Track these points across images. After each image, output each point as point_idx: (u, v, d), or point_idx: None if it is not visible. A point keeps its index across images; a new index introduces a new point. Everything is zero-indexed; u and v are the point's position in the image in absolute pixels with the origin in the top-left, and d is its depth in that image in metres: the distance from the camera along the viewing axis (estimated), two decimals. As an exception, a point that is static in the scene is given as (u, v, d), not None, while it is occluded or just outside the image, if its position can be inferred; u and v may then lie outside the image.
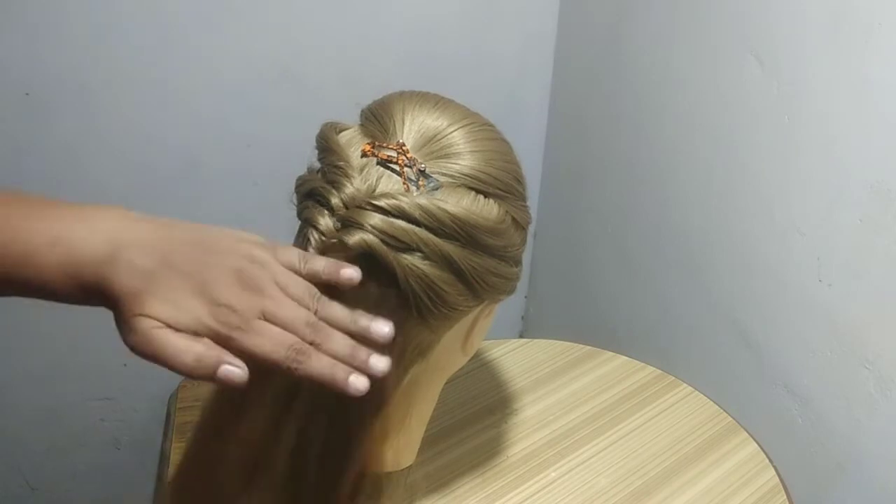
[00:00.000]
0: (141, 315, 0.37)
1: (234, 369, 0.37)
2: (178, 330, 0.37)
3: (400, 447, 0.65)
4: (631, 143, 1.08)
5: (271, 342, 0.38)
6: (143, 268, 0.38)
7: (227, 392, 0.48)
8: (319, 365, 0.39)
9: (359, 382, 0.40)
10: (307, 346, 0.39)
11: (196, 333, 0.37)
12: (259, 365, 0.38)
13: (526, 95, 1.24)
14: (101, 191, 0.98)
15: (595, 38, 1.11)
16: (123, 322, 0.38)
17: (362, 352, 0.41)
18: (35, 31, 0.87)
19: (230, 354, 0.37)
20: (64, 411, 1.14)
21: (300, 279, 0.42)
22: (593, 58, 1.13)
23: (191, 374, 0.36)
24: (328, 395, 0.42)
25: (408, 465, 0.68)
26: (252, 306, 0.39)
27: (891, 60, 0.67)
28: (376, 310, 0.46)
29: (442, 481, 0.70)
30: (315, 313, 0.41)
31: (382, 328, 0.42)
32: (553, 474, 0.72)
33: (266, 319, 0.39)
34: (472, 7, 1.10)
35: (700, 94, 0.92)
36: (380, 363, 0.42)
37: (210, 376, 0.37)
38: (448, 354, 0.56)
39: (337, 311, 0.42)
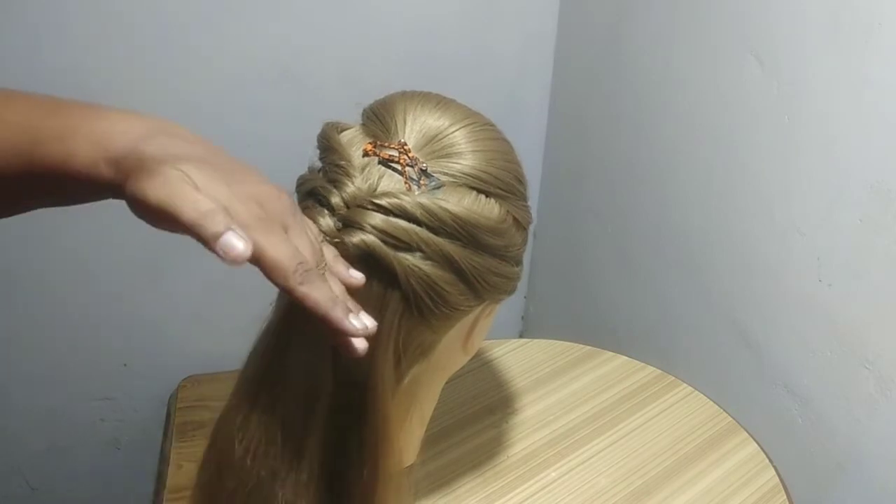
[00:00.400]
0: (173, 167, 0.35)
1: (239, 242, 0.34)
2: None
3: (401, 446, 0.65)
4: (631, 143, 1.08)
5: (285, 249, 0.37)
6: (182, 150, 0.37)
7: (250, 389, 0.48)
8: (321, 292, 0.38)
9: (357, 323, 0.39)
10: (315, 271, 0.38)
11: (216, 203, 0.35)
12: (264, 268, 0.36)
13: (526, 95, 1.24)
14: (101, 191, 0.98)
15: (595, 38, 1.12)
16: (147, 172, 0.35)
17: (353, 305, 0.42)
18: (35, 31, 0.87)
19: (243, 231, 0.34)
20: (64, 411, 1.14)
21: (316, 238, 0.42)
22: (593, 58, 1.13)
23: (195, 225, 0.34)
24: (348, 393, 0.42)
25: (408, 464, 0.68)
26: (280, 213, 0.38)
27: (891, 60, 0.68)
28: (378, 309, 0.47)
29: (442, 481, 0.70)
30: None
31: (368, 322, 0.42)
32: (553, 474, 0.72)
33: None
34: (472, 7, 1.10)
35: (700, 94, 0.92)
36: (368, 321, 0.41)
37: (213, 237, 0.34)
38: (449, 354, 0.56)
39: (335, 282, 0.42)
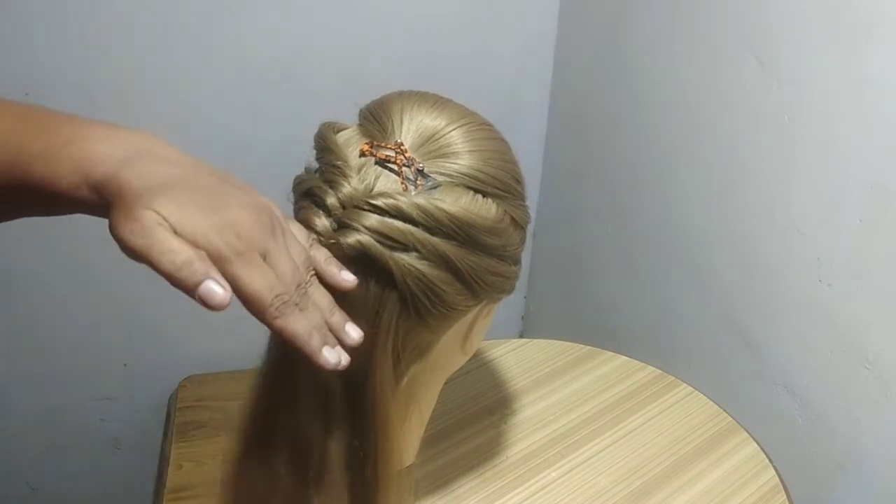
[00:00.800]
0: (148, 209, 0.35)
1: (218, 289, 0.35)
2: (178, 234, 0.35)
3: (401, 447, 0.65)
4: (631, 143, 1.08)
5: (263, 281, 0.37)
6: (162, 176, 0.37)
7: (268, 401, 0.49)
8: (298, 324, 0.39)
9: (330, 356, 0.40)
10: (293, 302, 0.39)
11: (196, 244, 0.36)
12: (241, 299, 0.37)
13: (526, 95, 1.24)
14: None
15: (595, 38, 1.11)
16: (125, 211, 0.35)
17: (340, 317, 0.43)
18: (35, 31, 0.87)
19: (220, 275, 0.36)
20: (64, 411, 1.14)
21: (303, 248, 0.42)
22: (593, 58, 1.13)
23: (172, 277, 0.34)
24: (350, 394, 0.43)
25: (408, 465, 0.68)
26: (258, 241, 0.38)
27: (891, 60, 0.67)
28: (375, 310, 0.47)
29: (442, 481, 0.70)
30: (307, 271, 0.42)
31: (353, 334, 0.43)
32: (553, 474, 0.72)
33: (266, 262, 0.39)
34: (472, 7, 1.10)
35: (700, 94, 0.92)
36: (354, 332, 0.43)
37: (192, 287, 0.35)
38: (448, 354, 0.56)
39: (322, 293, 0.43)
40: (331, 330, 0.42)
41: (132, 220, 0.35)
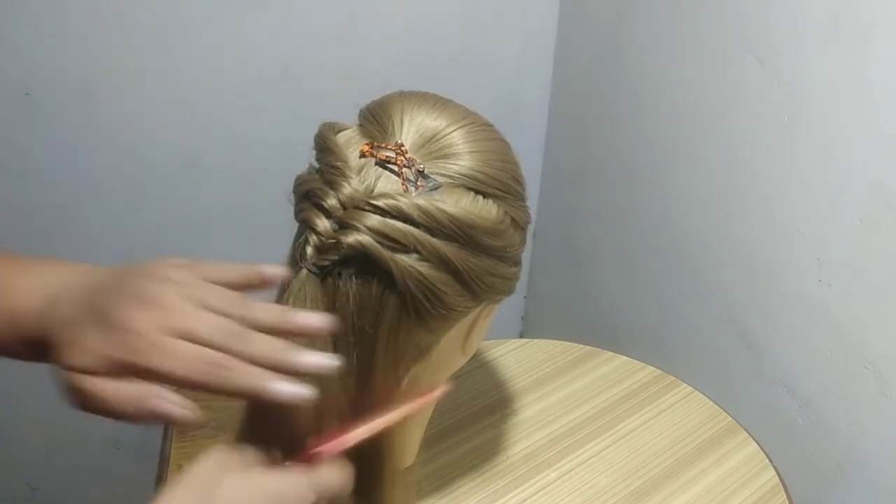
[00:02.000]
0: (63, 367, 0.36)
1: (171, 406, 0.35)
2: (93, 373, 0.35)
3: (401, 447, 0.65)
4: (631, 143, 1.08)
5: (184, 361, 0.35)
6: (69, 316, 0.38)
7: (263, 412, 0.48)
8: (243, 378, 0.36)
9: (283, 388, 0.36)
10: (228, 358, 0.36)
11: (109, 370, 0.35)
12: (181, 386, 0.36)
13: (526, 95, 1.24)
14: (101, 191, 0.98)
15: (595, 38, 1.11)
16: (59, 380, 0.37)
17: (286, 351, 0.37)
18: (35, 31, 0.87)
19: (160, 389, 0.35)
20: (64, 411, 1.13)
21: (220, 289, 0.39)
22: (593, 58, 1.13)
23: (134, 421, 0.35)
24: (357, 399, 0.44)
25: (407, 465, 0.68)
26: (157, 325, 0.35)
27: (891, 60, 0.67)
28: (376, 311, 0.47)
29: (442, 481, 0.70)
30: (241, 320, 0.37)
31: (308, 319, 0.39)
32: (553, 474, 0.72)
33: (181, 337, 0.36)
34: (472, 7, 1.10)
35: (700, 94, 0.92)
36: (306, 358, 0.37)
37: (151, 418, 0.35)
38: (448, 355, 0.56)
39: (263, 312, 0.38)
40: (275, 359, 0.37)
41: (65, 390, 0.37)
